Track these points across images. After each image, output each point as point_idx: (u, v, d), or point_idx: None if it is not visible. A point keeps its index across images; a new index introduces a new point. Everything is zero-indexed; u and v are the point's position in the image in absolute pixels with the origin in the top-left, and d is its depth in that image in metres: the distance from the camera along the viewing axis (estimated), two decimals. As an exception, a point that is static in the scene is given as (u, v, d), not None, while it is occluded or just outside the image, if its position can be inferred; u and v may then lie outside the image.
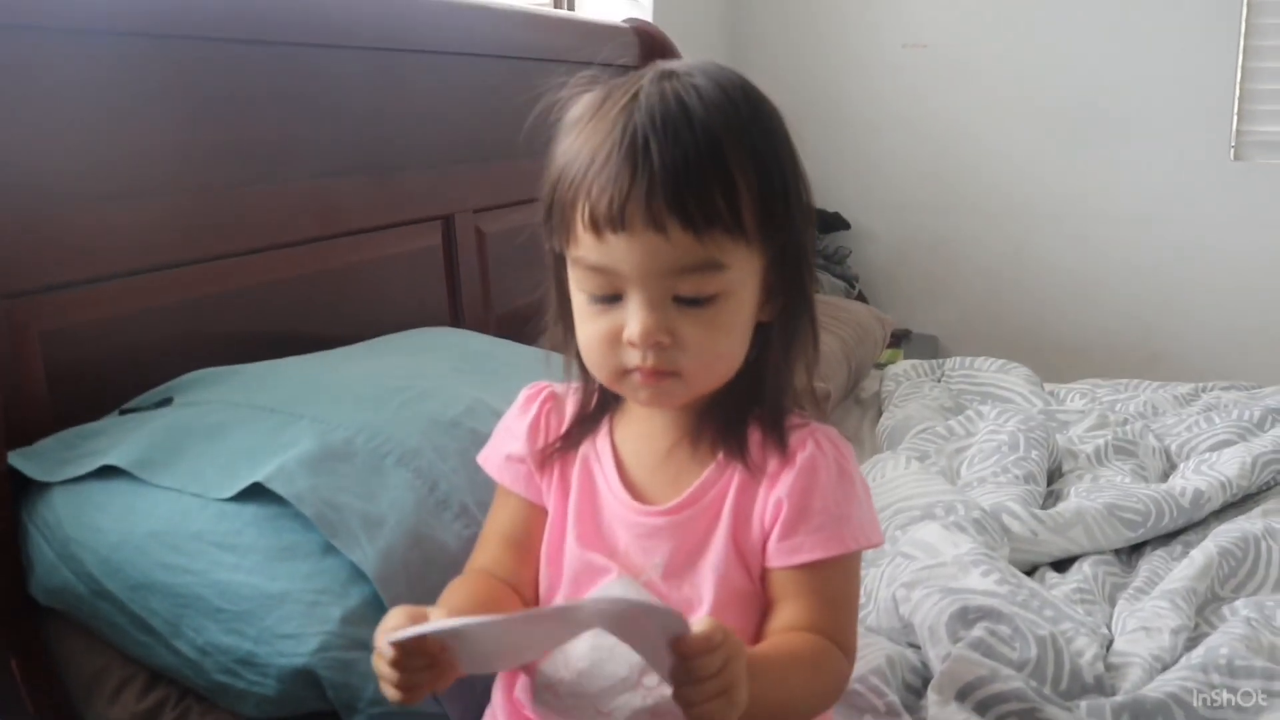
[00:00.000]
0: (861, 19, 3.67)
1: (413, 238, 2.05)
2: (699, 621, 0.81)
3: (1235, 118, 3.29)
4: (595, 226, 0.91)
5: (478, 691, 1.13)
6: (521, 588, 1.08)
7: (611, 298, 0.94)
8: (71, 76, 1.43)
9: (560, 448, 1.07)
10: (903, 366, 2.60)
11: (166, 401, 1.41)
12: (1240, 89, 3.27)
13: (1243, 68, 3.25)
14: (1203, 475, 1.85)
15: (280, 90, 1.77)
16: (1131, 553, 1.73)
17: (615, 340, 0.94)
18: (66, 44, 1.43)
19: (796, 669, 0.95)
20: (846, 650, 1.01)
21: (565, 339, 1.03)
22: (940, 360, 2.63)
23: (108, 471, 1.28)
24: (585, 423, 1.07)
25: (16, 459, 1.31)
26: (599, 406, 1.07)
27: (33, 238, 1.37)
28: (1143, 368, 3.26)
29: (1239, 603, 1.50)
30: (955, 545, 1.53)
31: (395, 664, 0.85)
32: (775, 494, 0.99)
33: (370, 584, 1.18)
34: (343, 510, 1.20)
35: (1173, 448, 2.09)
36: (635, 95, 0.92)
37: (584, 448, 1.07)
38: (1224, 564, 1.58)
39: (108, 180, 1.48)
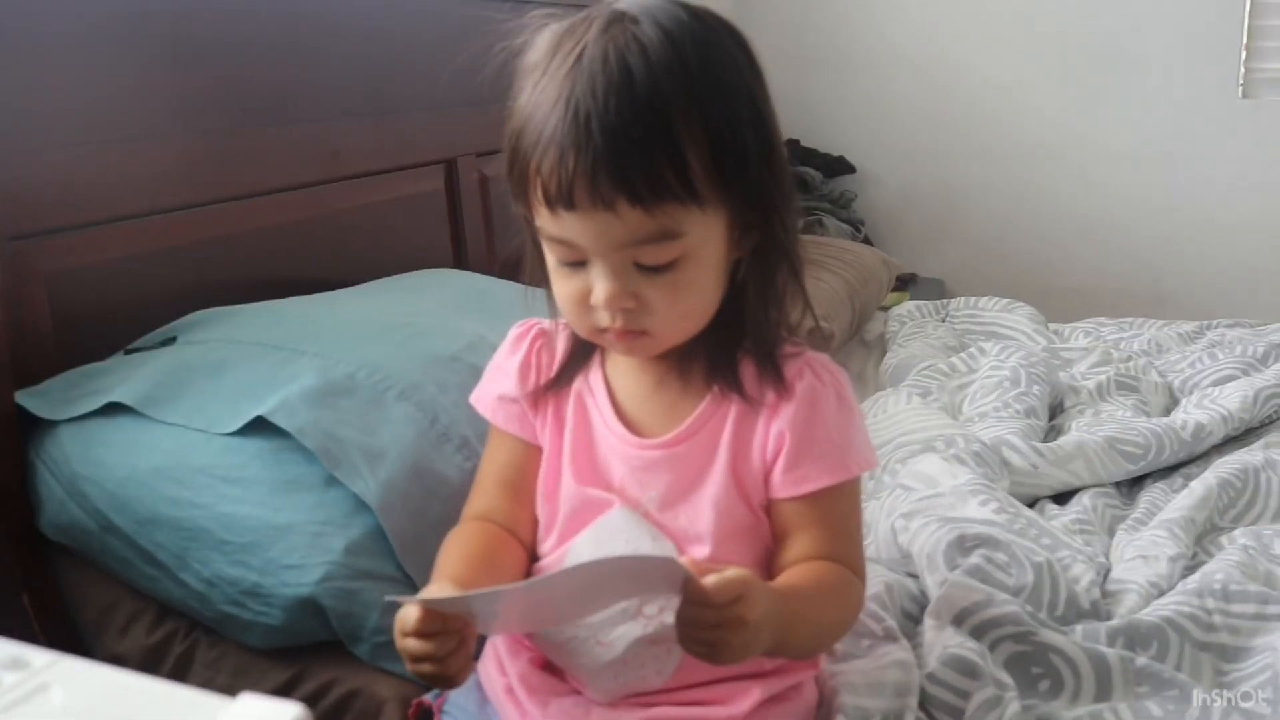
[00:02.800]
0: (867, -40, 3.64)
1: (415, 181, 2.06)
2: (713, 571, 0.84)
3: (1244, 54, 3.26)
4: (549, 203, 0.90)
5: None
6: (519, 530, 1.08)
7: (578, 262, 0.94)
8: (73, 20, 1.43)
9: (554, 385, 1.07)
10: (907, 307, 2.60)
11: (170, 340, 1.43)
12: (1249, 25, 3.24)
13: (1251, 3, 3.22)
14: (1204, 409, 1.85)
15: (281, 33, 1.78)
16: (1132, 485, 1.73)
17: (585, 302, 0.95)
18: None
19: (825, 598, 0.98)
20: (859, 574, 1.04)
21: (542, 278, 1.03)
22: (945, 301, 2.63)
23: (113, 409, 1.30)
24: (577, 360, 1.08)
25: (24, 398, 1.33)
26: (589, 342, 1.06)
27: (37, 181, 1.38)
28: (1150, 308, 3.26)
29: (1237, 532, 1.51)
30: (954, 476, 1.54)
31: (428, 655, 0.86)
32: (776, 426, 1.00)
33: (372, 515, 1.19)
34: (345, 443, 1.22)
35: (1175, 383, 2.09)
36: (580, 55, 0.89)
37: (577, 383, 1.07)
38: (1223, 495, 1.59)
39: (111, 124, 1.49)
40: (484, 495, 1.10)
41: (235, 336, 1.40)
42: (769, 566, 1.04)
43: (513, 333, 1.12)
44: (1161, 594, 1.35)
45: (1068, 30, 3.44)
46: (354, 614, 1.18)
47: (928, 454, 1.63)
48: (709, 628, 0.84)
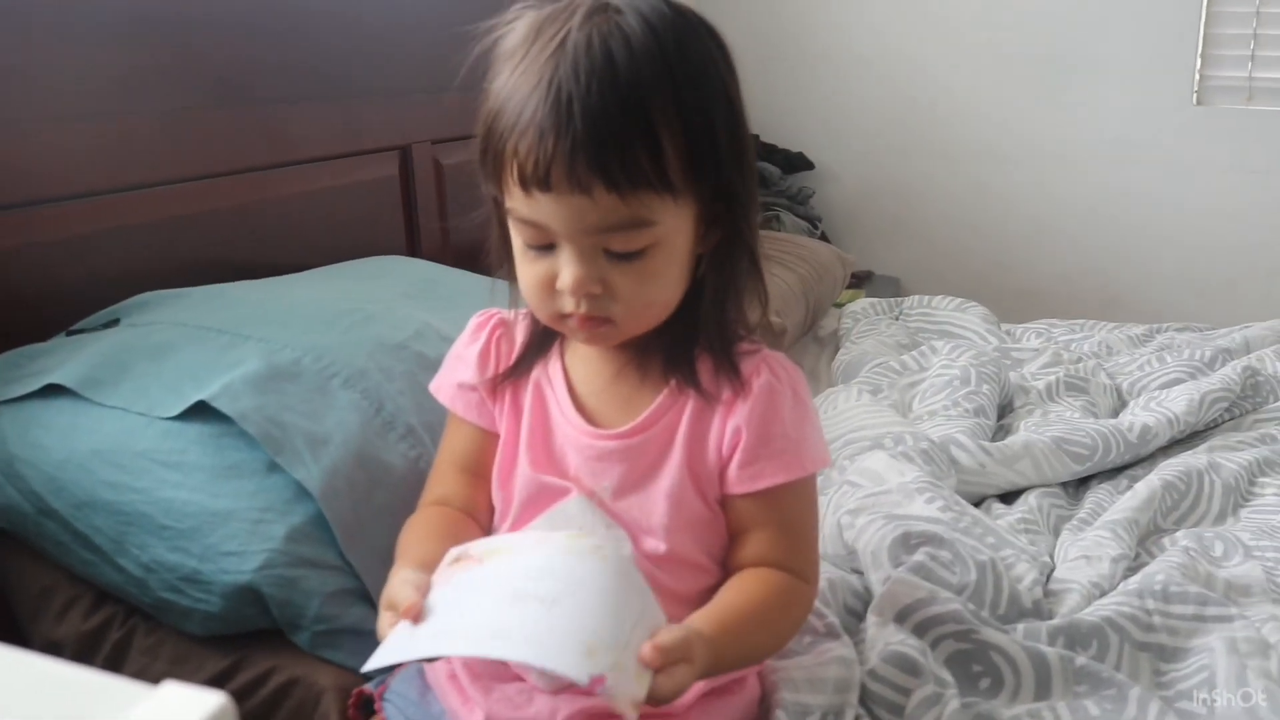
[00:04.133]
0: (829, -42, 3.65)
1: (370, 167, 2.04)
2: (671, 630, 0.86)
3: (1199, 62, 3.29)
4: (523, 184, 0.90)
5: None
6: (478, 514, 1.09)
7: (546, 246, 0.94)
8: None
9: (512, 373, 1.08)
10: (861, 304, 2.61)
11: (114, 323, 1.41)
12: (1204, 33, 3.27)
13: (1207, 11, 3.25)
14: (1151, 412, 1.87)
15: (237, 14, 1.75)
16: (1078, 486, 1.75)
17: (551, 286, 0.95)
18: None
19: (765, 619, 0.99)
20: (810, 578, 1.05)
21: (509, 273, 1.03)
22: (899, 299, 2.64)
23: (53, 390, 1.28)
24: (536, 348, 1.08)
25: (-39, 378, 1.30)
26: (548, 332, 1.07)
27: (-21, 157, 1.36)
28: (1102, 310, 3.29)
29: (1179, 534, 1.52)
30: (901, 474, 1.55)
31: None
32: (733, 422, 1.00)
33: (314, 502, 1.18)
34: (288, 429, 1.21)
35: (1124, 386, 2.11)
36: (564, 40, 0.90)
37: (536, 372, 1.08)
38: (1167, 496, 1.60)
39: (58, 101, 1.47)
40: (442, 481, 1.11)
41: (180, 320, 1.38)
42: (721, 561, 1.05)
43: (473, 322, 1.13)
44: (1103, 594, 1.36)
45: (1026, 35, 3.46)
46: (294, 602, 1.17)
47: (876, 451, 1.63)
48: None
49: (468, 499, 1.09)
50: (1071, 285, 3.55)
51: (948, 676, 1.15)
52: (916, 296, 2.61)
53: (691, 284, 1.00)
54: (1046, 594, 1.37)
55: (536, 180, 0.89)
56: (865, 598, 1.31)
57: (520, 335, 1.09)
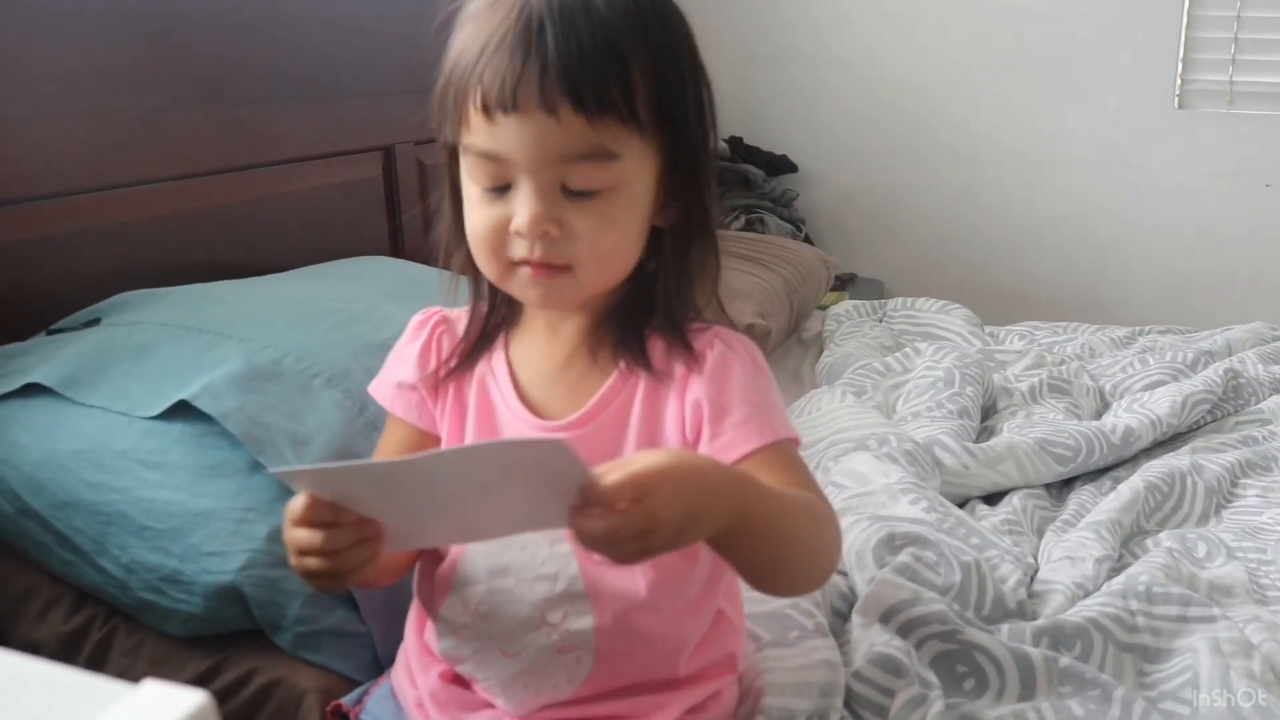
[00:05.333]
0: (813, -39, 3.65)
1: (353, 167, 2.04)
2: (615, 468, 0.76)
3: (1180, 66, 3.31)
4: (486, 109, 0.88)
5: (401, 610, 1.13)
6: None
7: (502, 188, 0.91)
8: (-2, -10, 1.40)
9: (455, 367, 1.04)
10: (845, 307, 2.61)
11: (94, 322, 1.40)
12: (1185, 38, 3.28)
13: (1188, 15, 3.26)
14: (1134, 413, 1.87)
15: (220, 15, 1.75)
16: (1062, 488, 1.75)
17: (503, 231, 0.91)
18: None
19: (796, 505, 0.90)
20: (832, 510, 0.96)
21: (457, 242, 1.00)
22: (882, 301, 2.65)
23: (33, 390, 1.27)
24: (479, 341, 1.04)
25: (-61, 377, 1.29)
26: (492, 325, 1.04)
27: (-44, 154, 1.35)
28: (1085, 313, 3.29)
29: (1162, 535, 1.53)
30: (885, 475, 1.55)
31: (316, 549, 0.82)
32: (691, 397, 0.96)
33: (294, 502, 1.17)
34: (270, 429, 1.20)
35: (1107, 388, 2.12)
36: None
37: (480, 368, 1.04)
38: (1150, 498, 1.61)
39: (38, 99, 1.46)
40: None
41: (161, 319, 1.38)
42: (700, 552, 0.99)
43: (413, 320, 1.09)
44: (1087, 595, 1.36)
45: (1008, 38, 3.47)
46: (276, 602, 1.16)
47: (860, 452, 1.63)
48: (619, 538, 0.76)
49: None
50: (1054, 288, 3.56)
51: (932, 678, 1.14)
52: (900, 299, 2.61)
53: (644, 260, 0.97)
54: (1030, 595, 1.37)
55: (502, 102, 0.87)
56: (851, 599, 1.30)
57: (462, 329, 1.05)
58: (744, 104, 3.70)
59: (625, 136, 0.89)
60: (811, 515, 0.91)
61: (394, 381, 1.07)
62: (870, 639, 1.17)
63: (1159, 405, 1.89)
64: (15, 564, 1.29)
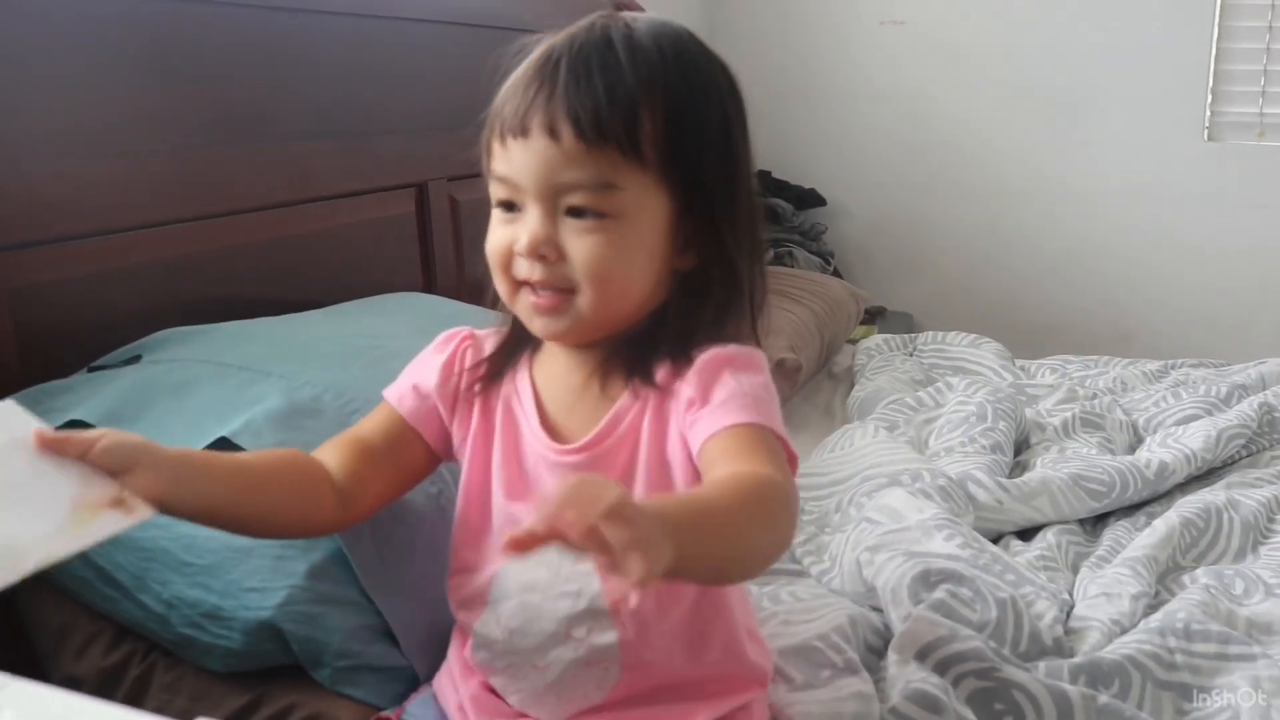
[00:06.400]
0: (841, -5, 3.67)
1: (386, 204, 2.05)
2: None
3: (1209, 98, 3.31)
4: (502, 136, 0.95)
5: (442, 644, 1.14)
6: (347, 492, 1.06)
7: (514, 205, 0.97)
8: (43, 34, 1.42)
9: (481, 378, 1.07)
10: (875, 341, 2.61)
11: (135, 359, 1.41)
12: (1214, 70, 3.29)
13: (1217, 48, 3.27)
14: (1168, 448, 1.87)
15: (254, 53, 1.77)
16: (1096, 523, 1.75)
17: (510, 252, 0.97)
18: (36, 3, 1.42)
19: (740, 504, 0.84)
20: (788, 477, 0.92)
21: (499, 302, 1.04)
22: (913, 335, 2.65)
23: (75, 427, 1.28)
24: (505, 356, 1.08)
25: (-17, 414, 1.31)
26: (518, 340, 1.07)
27: (2, 196, 1.37)
28: (1115, 346, 3.28)
29: (1199, 571, 1.52)
30: (919, 511, 1.54)
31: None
32: (685, 394, 0.97)
33: (335, 538, 1.18)
34: (309, 466, 1.21)
35: (1140, 422, 2.11)
36: (571, 32, 0.97)
37: (506, 388, 1.06)
38: (1186, 534, 1.60)
39: (78, 140, 1.48)
40: (337, 448, 1.08)
41: (200, 356, 1.39)
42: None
43: (441, 336, 1.13)
44: (1124, 632, 1.35)
45: (1037, 70, 3.48)
46: (315, 638, 1.16)
47: (893, 488, 1.63)
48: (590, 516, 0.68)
49: (350, 472, 1.06)
50: (1084, 320, 3.55)
51: (970, 715, 1.14)
52: (930, 333, 2.61)
53: (664, 302, 1.00)
54: (1067, 632, 1.37)
55: (513, 128, 0.94)
56: (886, 635, 1.30)
57: (490, 347, 1.09)
58: (773, 138, 3.72)
59: (627, 169, 0.93)
60: (758, 506, 0.85)
61: (411, 384, 1.10)
62: (907, 676, 1.17)
63: (1193, 440, 1.88)
64: (55, 600, 1.29)
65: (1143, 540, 1.57)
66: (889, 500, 1.60)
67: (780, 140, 3.73)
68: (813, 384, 2.47)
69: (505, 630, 1.02)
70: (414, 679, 1.19)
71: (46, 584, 1.29)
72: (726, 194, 0.99)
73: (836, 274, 3.56)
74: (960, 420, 1.95)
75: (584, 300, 0.96)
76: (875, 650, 1.28)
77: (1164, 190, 3.42)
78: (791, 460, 0.96)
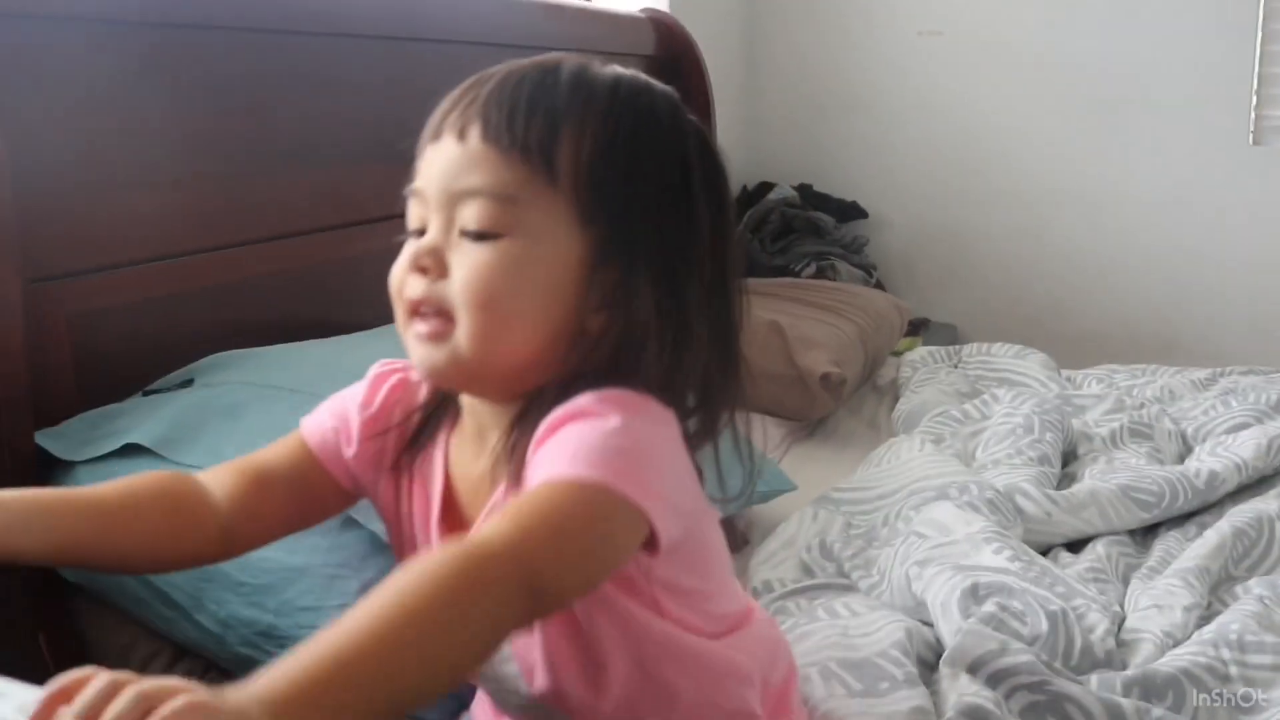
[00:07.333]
0: (877, 6, 3.67)
1: (431, 225, 2.07)
2: None
3: (1254, 100, 3.28)
4: (422, 148, 0.90)
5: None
6: (236, 520, 0.95)
7: (419, 231, 0.88)
8: (95, 66, 1.45)
9: (402, 444, 0.97)
10: (920, 353, 2.61)
11: (188, 383, 1.44)
12: (1259, 73, 3.26)
13: (1261, 51, 3.24)
14: (1218, 457, 1.85)
15: (299, 79, 1.79)
16: (1146, 534, 1.73)
17: (404, 270, 0.88)
18: (90, 33, 1.45)
19: (408, 620, 0.64)
20: (510, 542, 0.71)
21: None
22: (957, 347, 2.64)
23: (131, 450, 1.30)
24: (426, 418, 0.97)
25: (43, 438, 1.33)
26: (443, 398, 0.97)
27: (58, 224, 1.40)
28: (1161, 354, 3.24)
29: (1252, 582, 1.50)
30: (968, 524, 1.54)
31: None
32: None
33: (389, 557, 1.19)
34: (362, 486, 1.22)
35: (1189, 431, 2.09)
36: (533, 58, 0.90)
37: (422, 463, 0.97)
38: (1237, 544, 1.59)
39: (132, 167, 1.51)
40: (231, 475, 0.97)
41: (252, 379, 1.41)
42: (643, 643, 0.90)
43: (371, 373, 1.02)
44: (1176, 644, 1.34)
45: (1079, 75, 3.46)
46: (368, 657, 1.17)
47: (941, 501, 1.63)
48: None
49: (239, 497, 0.95)
50: (1130, 329, 3.53)
51: (1023, 728, 1.14)
52: (975, 344, 2.61)
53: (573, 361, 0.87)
54: (1119, 644, 1.36)
55: (430, 134, 0.89)
56: (937, 649, 1.30)
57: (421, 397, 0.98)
58: (813, 151, 3.73)
59: (533, 186, 0.84)
60: (445, 607, 0.66)
61: (327, 416, 1.01)
62: (959, 689, 1.17)
63: (1243, 448, 1.86)
64: (116, 619, 1.32)
65: (1194, 551, 1.56)
66: (937, 514, 1.60)
67: (821, 153, 3.73)
68: (857, 398, 2.46)
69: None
70: (464, 696, 1.21)
71: (107, 605, 1.31)
72: (671, 267, 0.87)
73: (879, 286, 3.55)
74: (1007, 432, 1.94)
75: (461, 331, 0.84)
76: (927, 664, 1.28)
77: (1209, 195, 3.39)
78: (653, 534, 0.79)
